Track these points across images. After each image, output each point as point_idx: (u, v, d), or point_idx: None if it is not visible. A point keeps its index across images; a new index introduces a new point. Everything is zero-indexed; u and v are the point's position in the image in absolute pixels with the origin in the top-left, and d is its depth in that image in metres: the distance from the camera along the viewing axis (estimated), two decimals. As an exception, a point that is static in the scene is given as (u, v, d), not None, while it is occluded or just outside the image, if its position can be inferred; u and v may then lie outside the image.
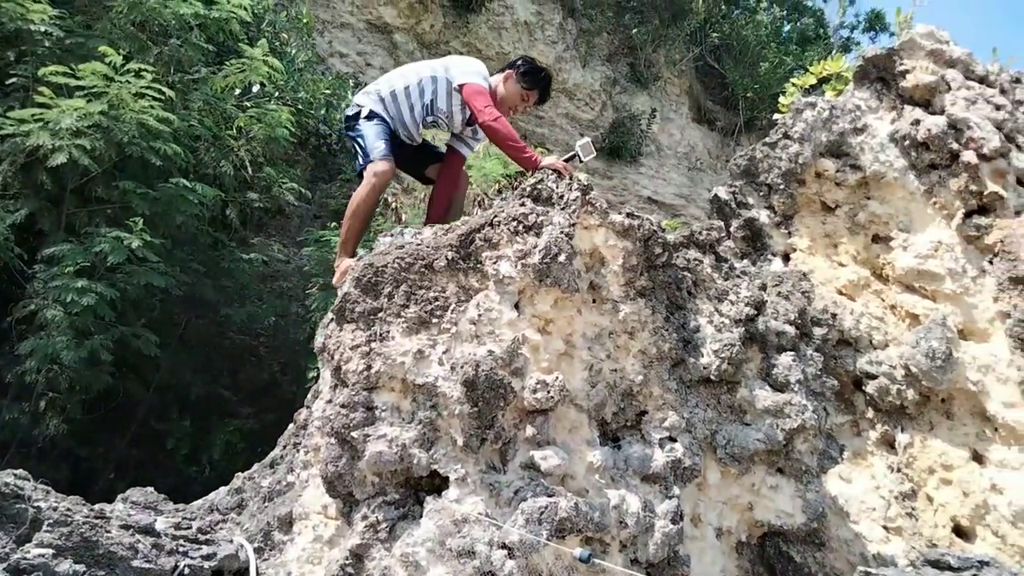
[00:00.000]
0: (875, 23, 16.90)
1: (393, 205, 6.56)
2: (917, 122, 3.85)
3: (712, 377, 3.08)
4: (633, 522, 2.65)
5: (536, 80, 3.75)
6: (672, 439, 2.91)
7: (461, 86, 3.56)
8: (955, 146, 3.75)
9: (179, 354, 6.02)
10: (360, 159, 3.63)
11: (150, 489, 3.12)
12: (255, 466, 3.35)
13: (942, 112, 3.88)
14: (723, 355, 3.08)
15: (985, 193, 3.65)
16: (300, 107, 7.44)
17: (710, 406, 3.08)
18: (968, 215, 3.71)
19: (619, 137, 13.41)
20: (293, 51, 7.55)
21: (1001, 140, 3.71)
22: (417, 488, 2.67)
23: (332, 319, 2.88)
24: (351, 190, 8.43)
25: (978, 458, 3.45)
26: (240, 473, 3.37)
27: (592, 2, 13.98)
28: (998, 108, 3.91)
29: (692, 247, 3.49)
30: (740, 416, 3.12)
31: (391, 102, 3.70)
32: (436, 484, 2.66)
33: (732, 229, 4.31)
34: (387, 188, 3.50)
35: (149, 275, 5.09)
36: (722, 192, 4.42)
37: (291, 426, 3.34)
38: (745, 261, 4.09)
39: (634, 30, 13.84)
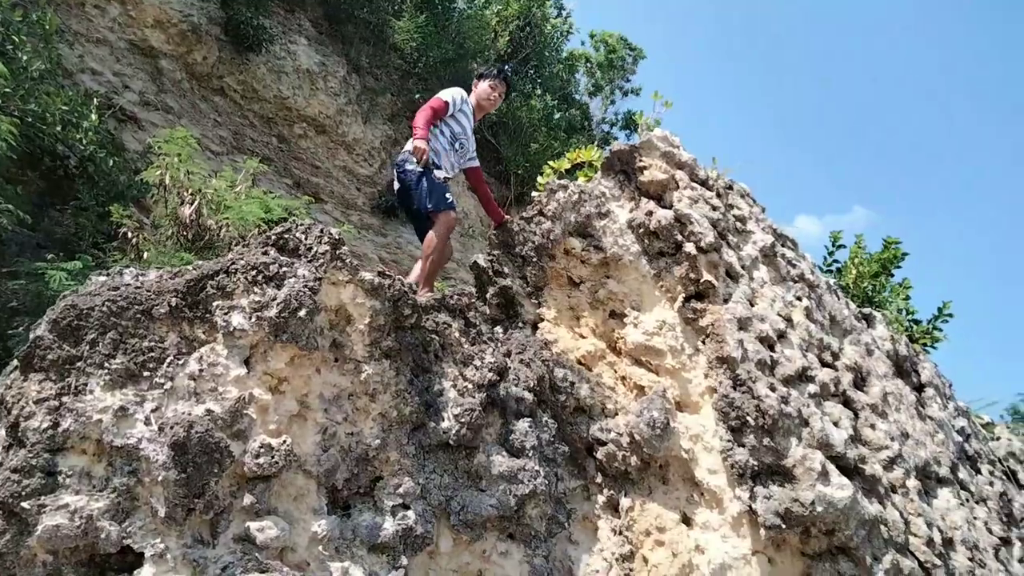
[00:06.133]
0: (630, 123, 19.08)
1: (133, 241, 5.91)
2: (650, 213, 4.29)
3: (451, 442, 3.06)
4: (356, 597, 2.50)
5: (482, 73, 5.07)
6: (405, 506, 2.82)
7: None
8: (679, 238, 4.22)
9: None
10: (427, 203, 4.40)
11: None
12: None
13: (671, 207, 4.36)
14: (463, 420, 3.08)
15: (701, 281, 4.13)
16: (30, 120, 6.51)
17: (447, 471, 3.05)
18: (688, 299, 4.16)
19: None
20: (26, 57, 6.63)
21: (715, 236, 4.25)
22: (104, 568, 2.29)
23: (16, 367, 2.44)
24: (87, 220, 7.53)
25: (687, 520, 3.77)
26: None
27: (378, 62, 14.18)
28: (714, 209, 4.49)
29: (443, 311, 3.51)
30: (476, 482, 3.12)
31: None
32: (129, 562, 2.31)
33: (488, 296, 4.43)
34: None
35: None
36: (481, 260, 4.56)
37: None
38: (499, 328, 4.20)
39: (417, 95, 14.19)
